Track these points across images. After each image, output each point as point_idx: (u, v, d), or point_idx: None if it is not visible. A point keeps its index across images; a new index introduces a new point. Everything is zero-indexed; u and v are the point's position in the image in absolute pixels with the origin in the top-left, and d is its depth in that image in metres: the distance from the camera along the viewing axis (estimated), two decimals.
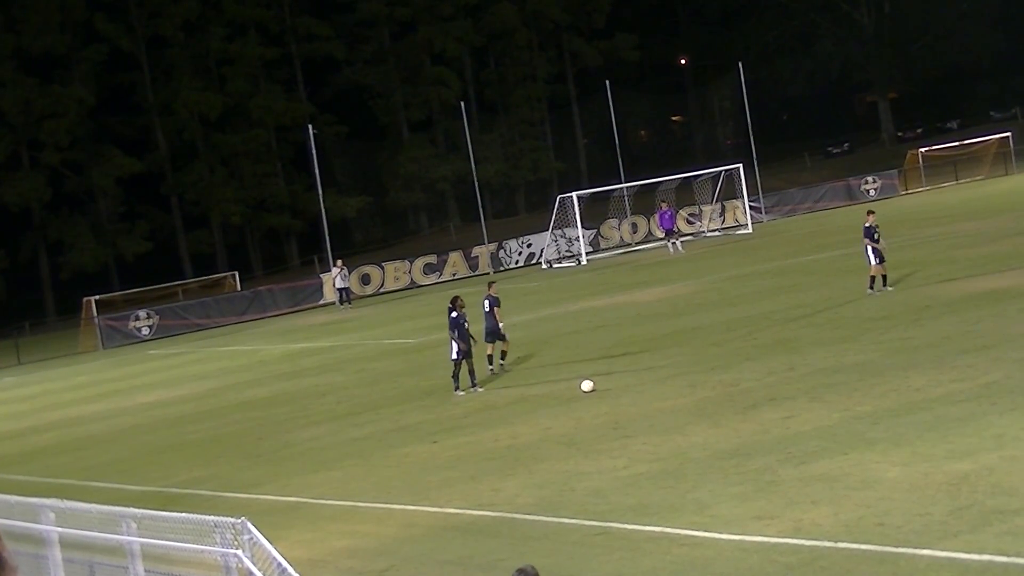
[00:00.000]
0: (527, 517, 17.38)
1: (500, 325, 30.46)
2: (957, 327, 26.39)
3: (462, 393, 28.22)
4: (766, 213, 73.29)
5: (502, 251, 69.97)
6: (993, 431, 17.55)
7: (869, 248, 33.96)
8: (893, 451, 17.40)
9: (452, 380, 28.57)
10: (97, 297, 66.97)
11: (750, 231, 67.20)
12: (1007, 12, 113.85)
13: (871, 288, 33.81)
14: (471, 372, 28.58)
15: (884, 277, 34.11)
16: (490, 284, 32.12)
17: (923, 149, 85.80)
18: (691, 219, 71.72)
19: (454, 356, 28.38)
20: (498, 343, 30.70)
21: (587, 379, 26.15)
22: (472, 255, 69.59)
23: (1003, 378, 20.69)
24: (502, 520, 17.51)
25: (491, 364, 30.65)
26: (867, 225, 34.27)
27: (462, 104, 78.73)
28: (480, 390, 28.36)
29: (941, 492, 15.23)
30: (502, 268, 68.56)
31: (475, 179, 74.02)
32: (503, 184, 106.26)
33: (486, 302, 30.60)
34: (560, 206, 67.67)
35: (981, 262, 36.29)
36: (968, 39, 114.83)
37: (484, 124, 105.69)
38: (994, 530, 13.66)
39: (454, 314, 28.34)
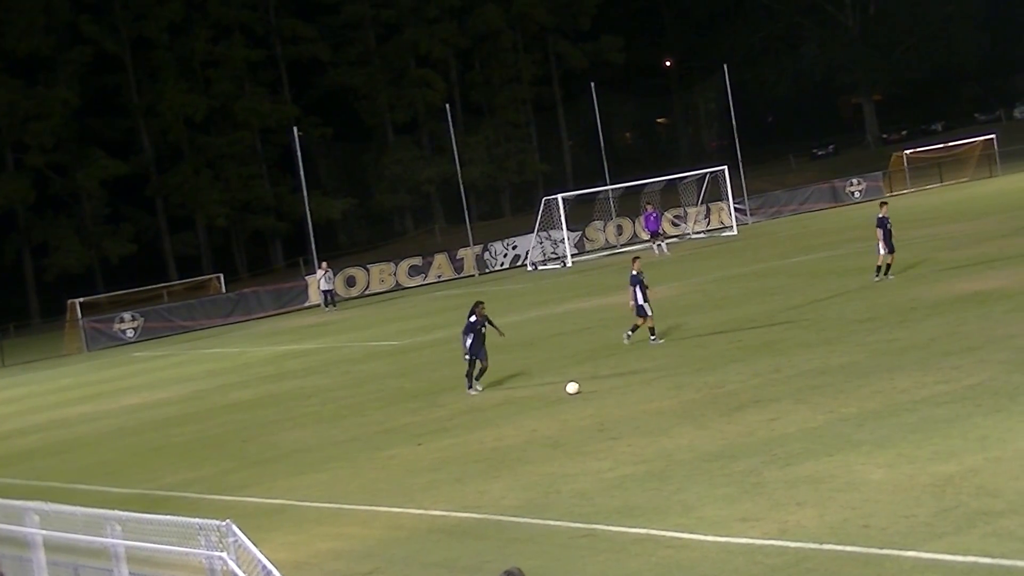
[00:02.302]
0: (513, 519, 17.39)
1: (639, 300, 30.84)
2: (942, 329, 26.45)
3: (474, 392, 28.01)
4: (751, 215, 73.35)
5: (487, 253, 69.94)
6: (978, 433, 17.60)
7: (881, 237, 35.41)
8: (878, 453, 17.44)
9: (465, 378, 28.36)
10: (82, 299, 66.74)
11: (735, 233, 67.26)
12: (992, 15, 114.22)
13: (876, 276, 35.47)
14: (473, 375, 28.36)
15: (888, 266, 35.57)
16: (634, 260, 32.71)
17: (908, 151, 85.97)
18: (676, 221, 71.78)
19: (467, 356, 28.16)
20: (646, 319, 31.12)
21: (572, 381, 26.17)
22: (457, 257, 69.55)
23: (988, 380, 20.75)
24: (488, 522, 17.52)
25: (629, 334, 31.35)
26: (880, 216, 35.75)
27: (447, 106, 78.68)
28: (478, 391, 28.14)
29: (926, 494, 15.27)
30: (487, 270, 68.56)
31: (460, 181, 73.99)
32: (488, 186, 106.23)
33: (629, 278, 31.42)
34: (545, 208, 67.67)
35: (966, 264, 36.38)
36: (953, 41, 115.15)
37: (469, 126, 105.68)
38: (979, 532, 13.70)
39: (472, 319, 28.13)
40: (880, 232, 35.55)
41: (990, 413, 18.54)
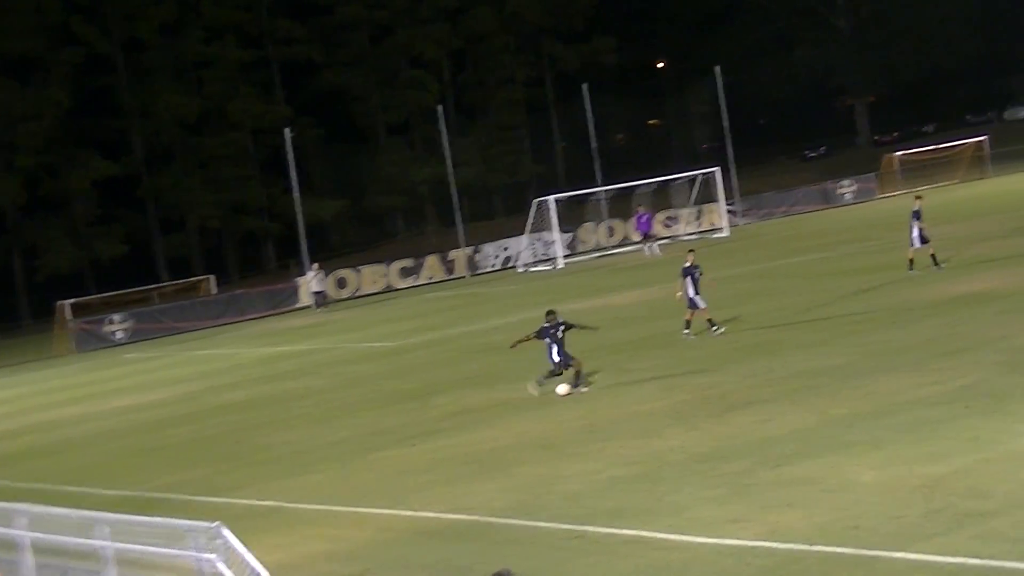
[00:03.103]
0: (503, 521, 17.35)
1: (691, 293, 30.94)
2: (935, 330, 26.46)
3: (535, 393, 26.54)
4: (743, 216, 73.42)
5: (479, 254, 69.96)
6: (969, 434, 17.59)
7: (915, 230, 36.29)
8: (869, 454, 17.42)
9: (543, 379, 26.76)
10: (72, 300, 66.61)
11: (727, 234, 67.31)
12: (984, 16, 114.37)
13: (911, 269, 36.04)
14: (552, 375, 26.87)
15: (933, 256, 36.25)
16: (689, 252, 32.77)
17: (900, 152, 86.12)
18: (668, 222, 71.80)
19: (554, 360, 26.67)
20: (697, 311, 31.05)
21: (563, 383, 26.10)
22: (449, 258, 69.55)
23: (980, 381, 20.75)
24: (478, 524, 17.47)
25: (687, 328, 31.03)
26: (916, 209, 36.71)
27: (440, 107, 78.69)
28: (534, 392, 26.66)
29: (916, 495, 15.25)
30: (479, 272, 68.53)
31: (452, 182, 73.99)
32: (480, 187, 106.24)
33: (681, 270, 31.54)
34: (537, 209, 67.68)
35: (959, 265, 36.39)
36: (945, 44, 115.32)
37: (462, 127, 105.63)
38: (968, 532, 13.69)
39: (545, 324, 27.03)
40: (916, 224, 36.25)
41: (982, 414, 18.53)
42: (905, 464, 16.63)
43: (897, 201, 72.74)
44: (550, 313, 27.44)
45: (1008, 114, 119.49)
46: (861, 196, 77.64)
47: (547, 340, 26.84)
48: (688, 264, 31.46)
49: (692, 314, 31.13)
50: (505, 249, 70.36)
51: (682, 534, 15.32)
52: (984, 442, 17.06)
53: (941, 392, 20.44)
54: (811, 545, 14.12)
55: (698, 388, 24.33)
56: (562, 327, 26.88)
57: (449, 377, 31.47)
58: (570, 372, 26.50)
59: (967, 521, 14.05)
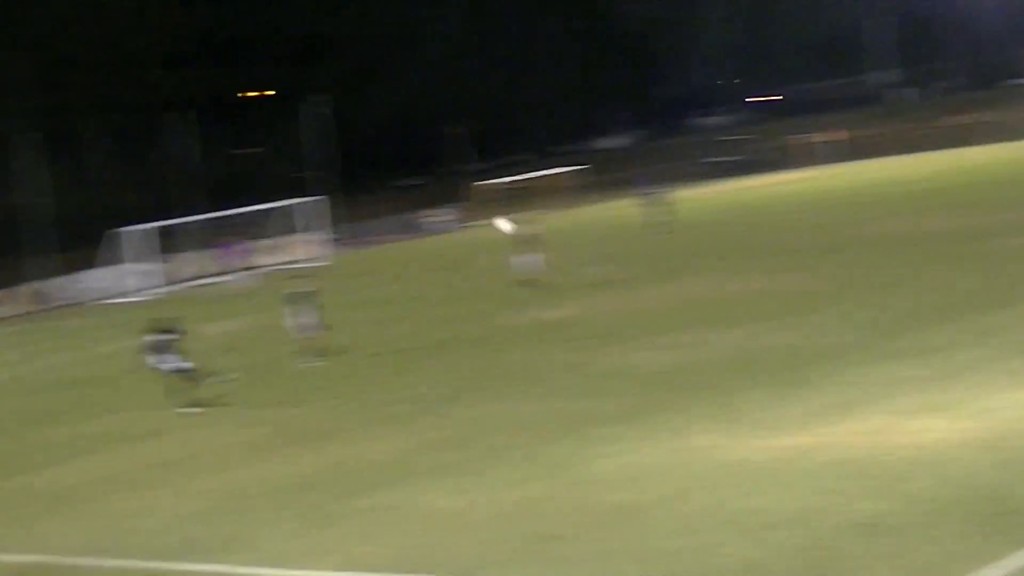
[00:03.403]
0: (74, 561, 16.64)
1: (301, 320, 30.14)
2: (520, 356, 26.98)
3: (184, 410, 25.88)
4: (343, 245, 73.52)
5: (59, 288, 67.47)
6: (545, 460, 17.87)
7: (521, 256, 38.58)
8: (449, 482, 17.46)
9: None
10: None
11: (325, 263, 67.10)
12: (576, 48, 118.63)
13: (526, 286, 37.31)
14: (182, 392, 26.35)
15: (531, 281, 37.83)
16: (297, 278, 31.90)
17: (495, 180, 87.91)
18: (264, 252, 71.13)
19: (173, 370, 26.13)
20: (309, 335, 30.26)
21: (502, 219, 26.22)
22: (24, 292, 66.70)
23: (557, 407, 21.18)
24: (48, 565, 16.71)
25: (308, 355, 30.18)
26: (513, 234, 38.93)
27: (26, 134, 75.76)
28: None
29: (495, 521, 15.36)
30: (59, 305, 65.92)
31: (36, 213, 71.34)
32: (67, 218, 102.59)
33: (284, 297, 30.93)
34: (126, 239, 65.97)
35: (546, 292, 37.02)
36: (541, 75, 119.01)
37: (50, 155, 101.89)
38: (543, 557, 13.85)
39: (152, 337, 26.32)
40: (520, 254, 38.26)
41: (557, 441, 18.83)
42: (484, 491, 16.73)
43: (488, 231, 74.25)
44: (158, 323, 26.71)
45: (603, 142, 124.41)
46: (454, 225, 78.89)
47: (156, 353, 26.13)
48: (296, 291, 30.82)
49: (309, 340, 30.53)
50: (88, 281, 68.11)
51: (258, 567, 15.04)
52: (558, 467, 17.33)
53: (521, 418, 20.74)
54: (392, 575, 13.99)
55: (283, 419, 24.00)
56: (170, 335, 26.40)
57: (22, 413, 30.13)
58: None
59: (541, 546, 14.18)
